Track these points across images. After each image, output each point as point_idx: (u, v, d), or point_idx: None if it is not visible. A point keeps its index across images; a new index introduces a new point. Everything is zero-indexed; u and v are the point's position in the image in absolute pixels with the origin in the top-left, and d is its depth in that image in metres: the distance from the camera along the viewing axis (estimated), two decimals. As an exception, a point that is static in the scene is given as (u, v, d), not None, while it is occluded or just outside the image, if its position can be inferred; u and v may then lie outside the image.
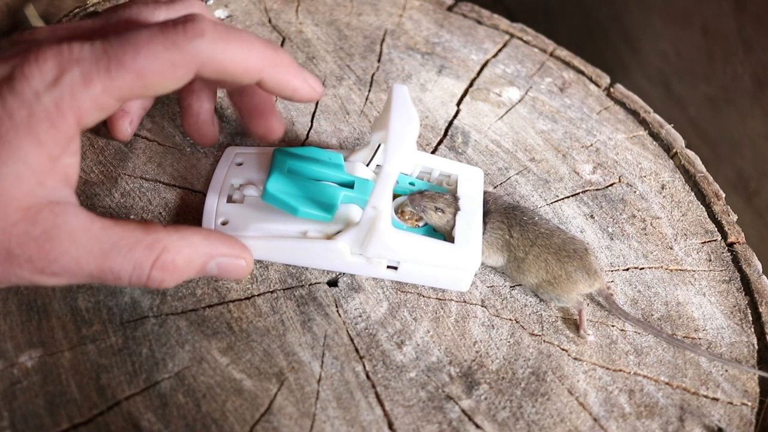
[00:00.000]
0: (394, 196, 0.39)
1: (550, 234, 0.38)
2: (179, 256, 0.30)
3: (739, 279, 0.42)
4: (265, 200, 0.35)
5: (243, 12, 0.53)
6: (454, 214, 0.38)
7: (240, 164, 0.40)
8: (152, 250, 0.29)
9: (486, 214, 0.38)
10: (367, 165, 0.39)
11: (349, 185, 0.37)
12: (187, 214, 0.39)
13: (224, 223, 0.37)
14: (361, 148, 0.39)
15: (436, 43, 0.54)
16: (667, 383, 0.37)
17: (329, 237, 0.36)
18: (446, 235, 0.38)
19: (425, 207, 0.37)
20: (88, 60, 0.27)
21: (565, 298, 0.38)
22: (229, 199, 0.38)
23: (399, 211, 0.39)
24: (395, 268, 0.37)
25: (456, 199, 0.38)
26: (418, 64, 0.52)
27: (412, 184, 0.41)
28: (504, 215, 0.38)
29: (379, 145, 0.39)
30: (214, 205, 0.37)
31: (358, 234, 0.35)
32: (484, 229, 0.38)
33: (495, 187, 0.44)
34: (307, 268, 0.38)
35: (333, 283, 0.38)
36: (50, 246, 0.27)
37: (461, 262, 0.36)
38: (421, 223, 0.39)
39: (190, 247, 0.30)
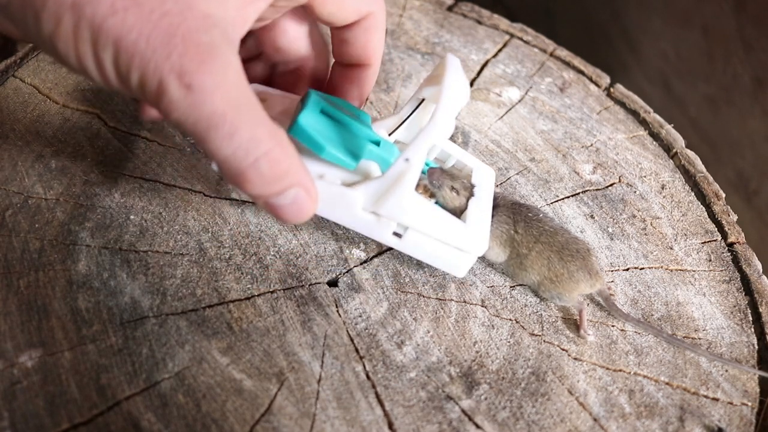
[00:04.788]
0: None
1: (554, 232, 0.38)
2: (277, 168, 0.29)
3: (739, 279, 0.42)
4: (292, 133, 0.33)
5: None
6: (468, 198, 0.37)
7: (263, 101, 0.37)
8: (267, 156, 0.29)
9: (493, 208, 0.38)
10: (390, 134, 0.38)
11: (375, 143, 0.36)
12: (187, 213, 0.39)
13: None
14: (387, 116, 0.38)
15: (436, 43, 0.54)
16: (667, 383, 0.37)
17: (345, 185, 0.35)
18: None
19: (442, 183, 0.37)
20: None
21: (566, 297, 0.38)
22: None
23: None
24: (400, 235, 0.36)
25: (472, 186, 0.38)
26: (418, 64, 0.52)
27: (427, 164, 0.40)
28: (510, 210, 0.38)
29: (408, 116, 0.37)
30: None
31: (378, 186, 0.34)
32: (491, 221, 0.38)
33: (495, 187, 0.44)
34: (307, 268, 0.38)
35: (333, 283, 0.38)
36: (208, 58, 0.26)
37: (468, 242, 0.35)
38: (432, 200, 0.38)
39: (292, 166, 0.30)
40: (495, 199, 0.39)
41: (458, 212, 0.37)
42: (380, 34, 0.36)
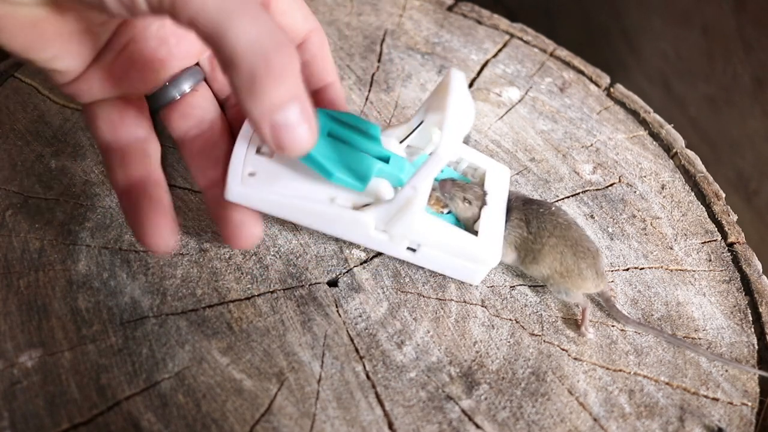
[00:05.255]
0: None
1: (568, 226, 0.38)
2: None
3: (739, 279, 0.42)
4: (301, 159, 0.33)
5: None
6: (480, 208, 0.37)
7: None
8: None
9: (507, 211, 0.38)
10: (401, 142, 0.38)
11: (384, 159, 0.36)
12: (187, 214, 0.39)
13: (251, 174, 0.34)
14: (398, 125, 0.38)
15: (436, 43, 0.54)
16: (667, 383, 0.37)
17: (356, 208, 0.35)
18: (468, 226, 0.38)
19: (454, 195, 0.37)
20: None
21: (572, 293, 0.38)
22: (258, 151, 0.35)
23: None
24: (414, 250, 0.37)
25: (484, 193, 0.38)
26: (418, 64, 0.52)
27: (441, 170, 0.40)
28: (522, 212, 0.38)
29: (418, 125, 0.37)
30: (242, 154, 0.35)
31: (388, 210, 0.34)
32: (505, 226, 0.38)
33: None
34: (307, 268, 0.38)
35: (333, 283, 0.38)
36: None
37: (482, 256, 0.36)
38: (445, 210, 0.39)
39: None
40: (508, 201, 0.39)
41: (472, 221, 0.38)
42: (328, 48, 0.38)
